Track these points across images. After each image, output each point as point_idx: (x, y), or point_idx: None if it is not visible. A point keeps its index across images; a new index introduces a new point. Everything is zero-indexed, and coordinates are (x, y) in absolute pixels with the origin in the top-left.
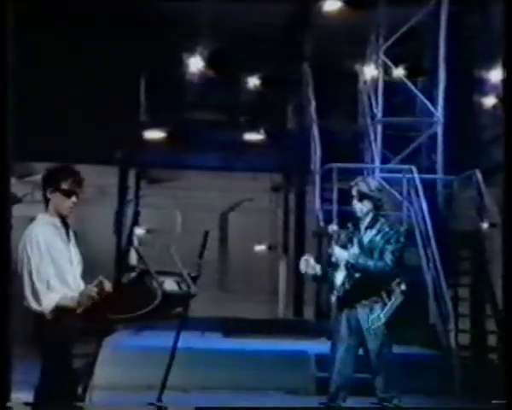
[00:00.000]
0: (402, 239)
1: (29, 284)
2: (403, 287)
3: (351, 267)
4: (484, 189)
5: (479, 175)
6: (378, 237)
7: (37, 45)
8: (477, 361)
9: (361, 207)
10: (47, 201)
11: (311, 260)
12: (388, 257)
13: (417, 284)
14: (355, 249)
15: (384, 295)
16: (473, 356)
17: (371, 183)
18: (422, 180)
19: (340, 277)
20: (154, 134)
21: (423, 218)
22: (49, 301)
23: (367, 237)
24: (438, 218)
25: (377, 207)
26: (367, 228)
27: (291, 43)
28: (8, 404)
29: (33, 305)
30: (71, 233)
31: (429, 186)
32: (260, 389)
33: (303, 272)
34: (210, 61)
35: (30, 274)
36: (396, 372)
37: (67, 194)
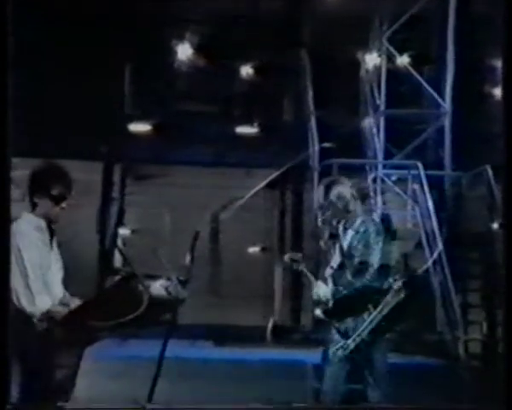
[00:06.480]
0: (379, 240)
1: (22, 282)
2: (395, 286)
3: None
4: (495, 186)
5: (489, 172)
6: (354, 246)
7: (20, 39)
8: (488, 372)
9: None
10: (34, 204)
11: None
12: (369, 272)
13: (423, 288)
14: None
15: (370, 306)
16: (483, 366)
17: (334, 191)
18: (429, 177)
19: (328, 291)
20: (140, 127)
21: (429, 217)
22: (43, 302)
23: (346, 244)
24: (445, 217)
25: (343, 214)
26: (343, 236)
27: (287, 28)
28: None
29: (25, 304)
30: (55, 239)
31: (436, 183)
32: (254, 402)
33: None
34: (200, 48)
35: (24, 273)
36: (391, 383)
37: (57, 200)
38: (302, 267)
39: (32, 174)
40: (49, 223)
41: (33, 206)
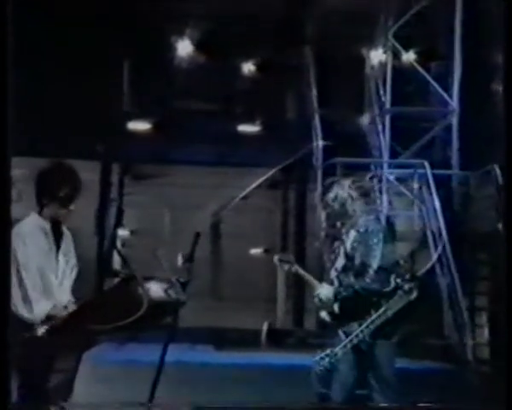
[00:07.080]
0: (379, 240)
1: (19, 288)
2: (406, 286)
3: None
4: (503, 186)
5: (498, 171)
6: (355, 247)
7: (20, 39)
8: (497, 377)
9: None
10: (41, 205)
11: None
12: (369, 274)
13: (430, 291)
14: (339, 266)
15: (372, 310)
16: (492, 372)
17: (331, 194)
18: (436, 176)
19: (329, 293)
20: (139, 126)
21: (436, 218)
22: (41, 309)
23: (349, 245)
24: (452, 218)
25: (341, 216)
26: (346, 237)
27: (290, 24)
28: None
29: (23, 313)
30: (64, 240)
31: (443, 183)
32: (256, 408)
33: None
34: (201, 45)
35: (20, 278)
36: (398, 388)
37: (65, 203)
38: (295, 268)
39: (39, 175)
40: (57, 225)
41: (41, 207)
